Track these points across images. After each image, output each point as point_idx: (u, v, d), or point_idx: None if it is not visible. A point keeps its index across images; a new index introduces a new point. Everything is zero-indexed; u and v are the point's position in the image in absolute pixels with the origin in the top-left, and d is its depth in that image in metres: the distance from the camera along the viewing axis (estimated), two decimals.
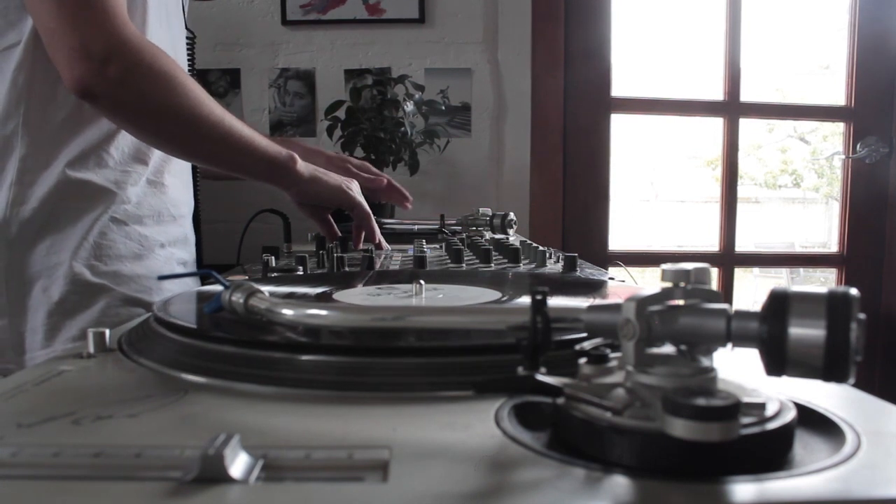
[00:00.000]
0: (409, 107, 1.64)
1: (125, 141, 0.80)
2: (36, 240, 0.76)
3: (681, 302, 0.28)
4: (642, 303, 0.26)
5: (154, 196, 0.85)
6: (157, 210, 0.85)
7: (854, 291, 0.24)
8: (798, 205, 3.79)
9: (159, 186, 0.85)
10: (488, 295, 0.53)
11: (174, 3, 0.89)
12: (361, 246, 0.99)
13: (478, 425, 0.28)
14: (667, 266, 0.28)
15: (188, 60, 0.98)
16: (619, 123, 2.02)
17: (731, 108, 2.02)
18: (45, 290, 0.76)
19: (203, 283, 0.82)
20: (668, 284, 0.28)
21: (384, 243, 1.02)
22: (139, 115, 0.72)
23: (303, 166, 0.88)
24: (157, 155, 0.84)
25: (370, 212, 0.98)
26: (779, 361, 0.24)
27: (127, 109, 0.71)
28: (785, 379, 0.25)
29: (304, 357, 0.35)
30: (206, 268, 0.47)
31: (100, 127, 0.78)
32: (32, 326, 0.76)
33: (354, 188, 0.96)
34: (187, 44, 0.97)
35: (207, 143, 0.77)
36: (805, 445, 0.27)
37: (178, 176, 0.90)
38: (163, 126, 0.74)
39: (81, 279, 0.76)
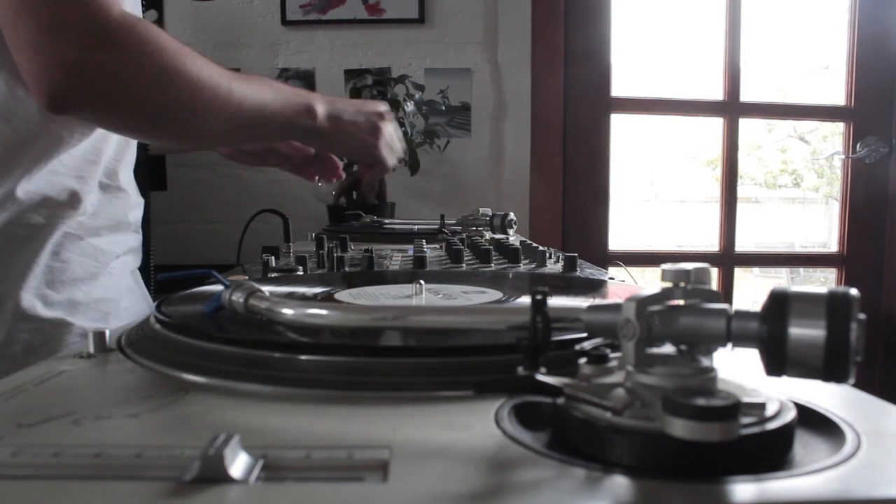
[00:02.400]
0: (410, 107, 1.65)
1: (74, 142, 0.68)
2: None
3: (681, 302, 0.28)
4: (642, 303, 0.26)
5: (111, 203, 0.74)
6: (115, 219, 0.74)
7: (854, 291, 0.24)
8: (798, 205, 3.79)
9: (114, 190, 0.74)
10: (488, 295, 0.53)
11: None
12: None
13: (478, 425, 0.28)
14: (667, 266, 0.28)
15: None
16: (619, 123, 2.02)
17: (731, 108, 2.02)
18: None
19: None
20: (668, 284, 0.28)
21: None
22: (110, 116, 0.59)
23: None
24: (108, 152, 0.72)
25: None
26: (779, 361, 0.24)
27: (94, 114, 0.58)
28: (785, 379, 0.25)
29: (304, 357, 0.35)
30: (205, 268, 0.47)
31: (49, 134, 0.65)
32: None
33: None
34: None
35: (211, 120, 0.61)
36: (805, 445, 0.27)
37: (130, 174, 0.78)
38: (143, 118, 0.59)
39: (31, 314, 0.64)
